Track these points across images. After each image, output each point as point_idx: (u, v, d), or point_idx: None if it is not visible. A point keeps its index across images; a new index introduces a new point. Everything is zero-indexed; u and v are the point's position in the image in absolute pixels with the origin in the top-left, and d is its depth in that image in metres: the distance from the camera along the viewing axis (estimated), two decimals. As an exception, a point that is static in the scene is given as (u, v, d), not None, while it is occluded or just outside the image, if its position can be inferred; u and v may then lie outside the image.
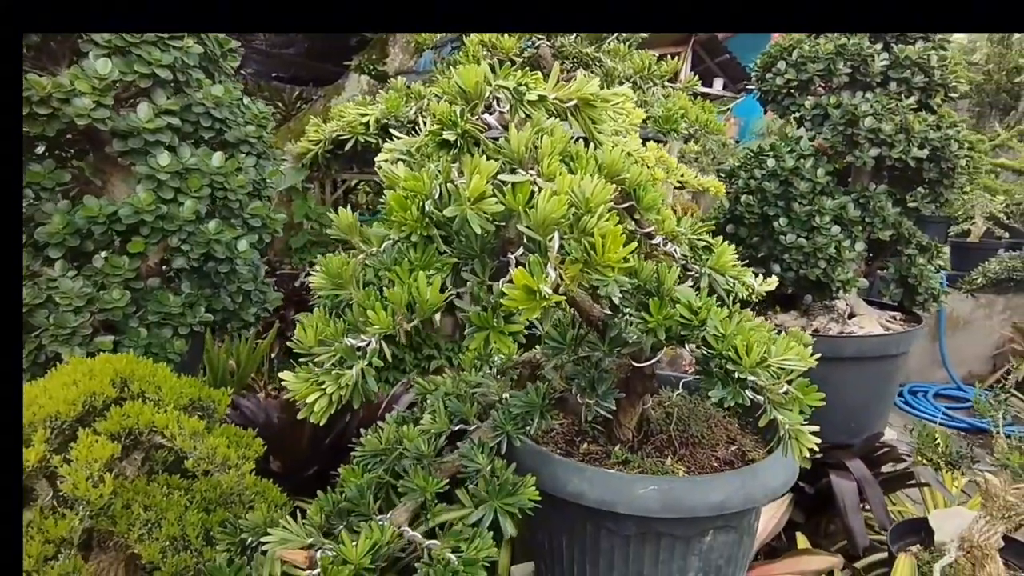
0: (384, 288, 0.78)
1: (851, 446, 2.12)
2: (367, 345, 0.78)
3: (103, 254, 1.32)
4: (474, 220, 0.73)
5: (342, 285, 0.80)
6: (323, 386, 0.73)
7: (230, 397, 1.18)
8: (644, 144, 1.33)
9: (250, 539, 0.92)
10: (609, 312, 1.00)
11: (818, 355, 1.82)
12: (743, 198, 2.17)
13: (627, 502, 1.02)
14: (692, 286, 1.00)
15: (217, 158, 1.31)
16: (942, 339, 4.46)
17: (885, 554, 1.72)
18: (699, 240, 0.94)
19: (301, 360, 0.80)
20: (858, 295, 2.24)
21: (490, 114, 0.85)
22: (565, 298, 0.73)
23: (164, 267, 1.45)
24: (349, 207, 1.00)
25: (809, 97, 2.08)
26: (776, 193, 2.08)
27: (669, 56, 2.03)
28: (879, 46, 1.96)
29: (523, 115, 0.79)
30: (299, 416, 0.74)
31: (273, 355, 2.97)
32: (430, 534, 0.93)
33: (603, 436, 1.26)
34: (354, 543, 0.82)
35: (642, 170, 0.88)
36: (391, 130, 1.17)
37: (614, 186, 0.76)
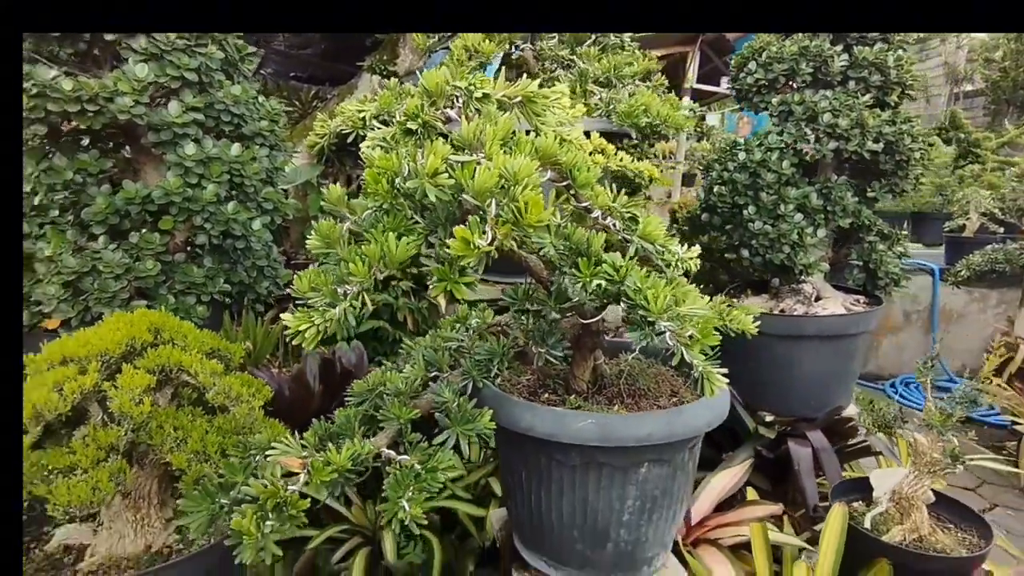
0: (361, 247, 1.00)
1: (814, 420, 2.29)
2: (349, 291, 0.99)
3: (139, 231, 1.55)
4: (431, 191, 0.94)
5: (331, 244, 1.02)
6: (313, 319, 0.94)
7: (244, 351, 1.40)
8: (587, 135, 1.52)
9: (257, 454, 1.14)
10: (551, 274, 1.20)
11: (782, 333, 1.99)
12: (716, 188, 2.36)
13: (568, 433, 1.22)
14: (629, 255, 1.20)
15: (235, 148, 1.54)
16: (935, 332, 4.58)
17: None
18: (627, 213, 1.14)
19: (297, 304, 1.02)
20: (825, 280, 2.41)
21: (452, 109, 1.06)
22: (494, 248, 0.93)
23: (188, 244, 1.68)
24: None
25: (776, 95, 2.26)
26: (746, 184, 2.26)
27: (676, 54, 2.23)
28: (839, 47, 2.13)
29: (474, 109, 1.00)
30: (293, 343, 0.95)
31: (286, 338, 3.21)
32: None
33: (561, 388, 1.46)
34: (338, 453, 1.03)
35: (577, 154, 1.08)
36: (375, 123, 1.38)
37: (538, 164, 0.96)
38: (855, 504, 1.83)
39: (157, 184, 1.49)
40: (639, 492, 1.31)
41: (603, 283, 1.08)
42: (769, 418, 2.39)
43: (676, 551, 1.59)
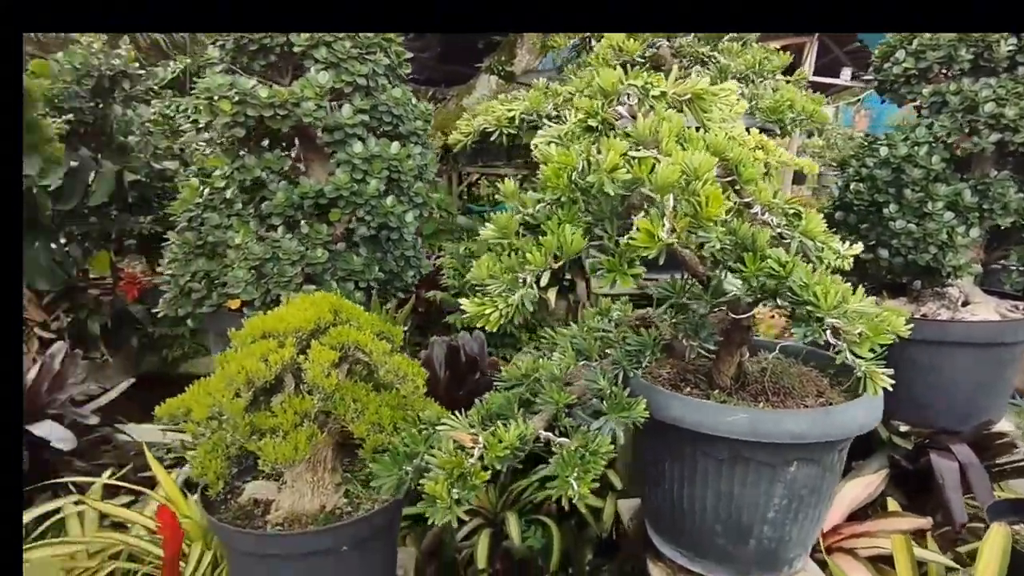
0: (538, 238, 1.06)
1: (957, 433, 2.14)
2: (526, 278, 1.05)
3: (309, 223, 1.70)
4: (608, 185, 0.99)
5: (507, 235, 1.09)
6: (496, 304, 1.01)
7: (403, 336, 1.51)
8: (747, 131, 1.51)
9: (426, 428, 1.23)
10: (711, 269, 1.21)
11: (923, 338, 1.89)
12: (853, 186, 2.25)
13: (719, 426, 1.23)
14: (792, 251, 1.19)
15: (395, 147, 1.66)
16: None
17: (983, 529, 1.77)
18: (791, 209, 1.13)
19: (476, 290, 1.10)
20: (975, 283, 2.25)
21: (620, 106, 1.10)
22: (677, 242, 0.96)
23: (346, 235, 1.82)
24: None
25: (927, 84, 2.13)
26: (887, 180, 2.15)
27: (793, 45, 2.16)
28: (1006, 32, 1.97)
29: (648, 107, 1.03)
30: (477, 324, 1.03)
31: (406, 328, 3.39)
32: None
33: (704, 383, 1.47)
34: (507, 432, 1.10)
35: (743, 150, 1.09)
36: (544, 121, 1.44)
37: (716, 159, 0.98)
38: (1016, 527, 1.70)
39: (328, 179, 1.64)
40: (787, 490, 1.30)
41: (766, 277, 1.09)
42: (904, 428, 2.26)
43: (812, 556, 1.56)
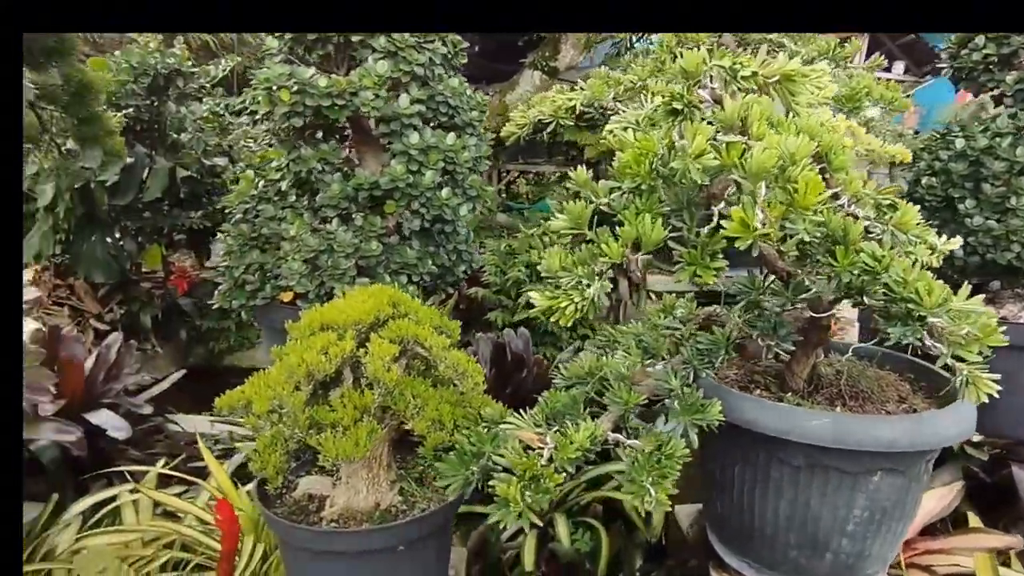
0: (614, 228, 0.99)
1: (1040, 443, 2.00)
2: (602, 270, 0.99)
3: (362, 215, 1.67)
4: (695, 172, 0.92)
5: (580, 225, 1.02)
6: (572, 297, 0.95)
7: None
8: (835, 115, 1.42)
9: (489, 426, 1.18)
10: (794, 264, 1.13)
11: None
12: (924, 180, 2.12)
13: (798, 431, 1.14)
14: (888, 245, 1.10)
15: (451, 138, 1.61)
16: None
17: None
18: (884, 199, 1.04)
19: (547, 281, 1.04)
20: (1057, 285, 2.09)
21: (702, 89, 1.03)
22: (771, 232, 0.88)
23: (398, 228, 1.78)
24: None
25: (1011, 71, 1.98)
26: (963, 174, 2.01)
27: (842, 39, 2.05)
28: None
29: (734, 89, 0.96)
30: (551, 319, 0.97)
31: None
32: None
33: (775, 385, 1.38)
34: (576, 432, 1.04)
35: (834, 136, 1.01)
36: (619, 105, 1.37)
37: (815, 143, 0.90)
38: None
39: (384, 170, 1.60)
40: (868, 502, 1.21)
41: (859, 272, 1.00)
42: (977, 438, 2.12)
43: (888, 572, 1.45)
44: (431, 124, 1.66)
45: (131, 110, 3.35)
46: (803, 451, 1.17)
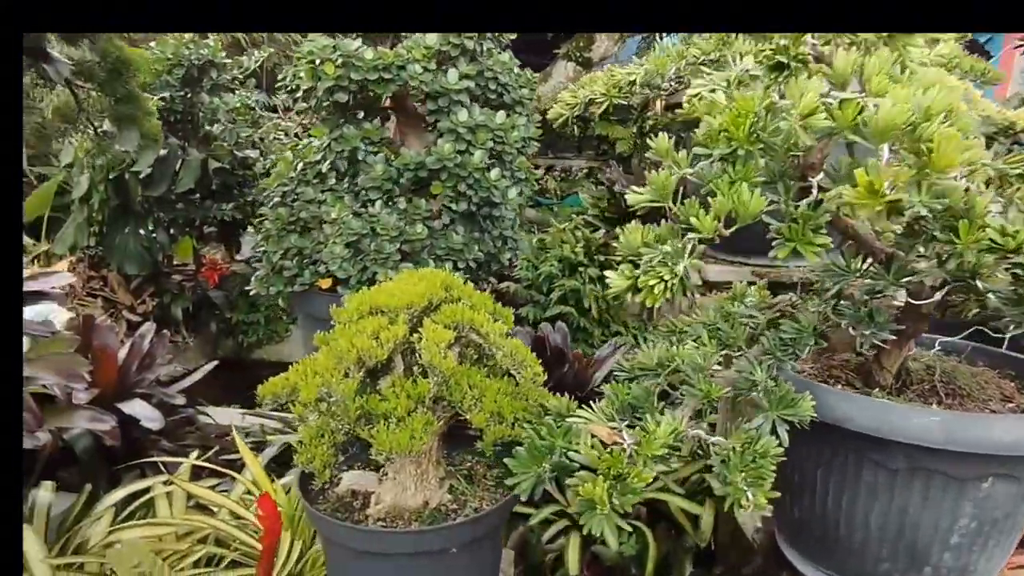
0: (705, 200, 0.88)
1: None
2: (691, 247, 0.88)
3: (406, 197, 1.57)
4: (802, 134, 0.80)
5: (664, 196, 0.91)
6: (661, 275, 0.84)
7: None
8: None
9: (555, 419, 1.07)
10: (897, 243, 1.00)
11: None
12: None
13: (900, 430, 1.02)
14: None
15: (500, 116, 1.51)
16: None
17: None
18: (1014, 168, 0.91)
19: (621, 262, 0.93)
20: None
21: (803, 45, 0.90)
22: (902, 199, 0.76)
23: (442, 211, 1.68)
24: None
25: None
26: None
27: None
28: None
29: (846, 41, 0.84)
30: (638, 299, 0.86)
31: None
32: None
33: (859, 380, 1.25)
34: (658, 427, 0.93)
35: (951, 96, 0.88)
36: (703, 68, 1.25)
37: (950, 99, 0.77)
38: None
39: (431, 149, 1.50)
40: (976, 511, 1.07)
41: (983, 251, 0.87)
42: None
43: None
44: (480, 102, 1.56)
45: (164, 101, 3.30)
46: (903, 452, 1.04)
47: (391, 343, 1.06)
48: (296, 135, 2.98)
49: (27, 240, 4.19)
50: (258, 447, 2.54)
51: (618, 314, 3.87)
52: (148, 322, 2.75)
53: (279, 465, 2.41)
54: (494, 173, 1.53)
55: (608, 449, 0.88)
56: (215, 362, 2.89)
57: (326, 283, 1.67)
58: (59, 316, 2.93)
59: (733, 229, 0.87)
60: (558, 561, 2.09)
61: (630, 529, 1.97)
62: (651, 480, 0.82)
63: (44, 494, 1.76)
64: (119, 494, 1.80)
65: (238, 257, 4.15)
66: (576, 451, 0.89)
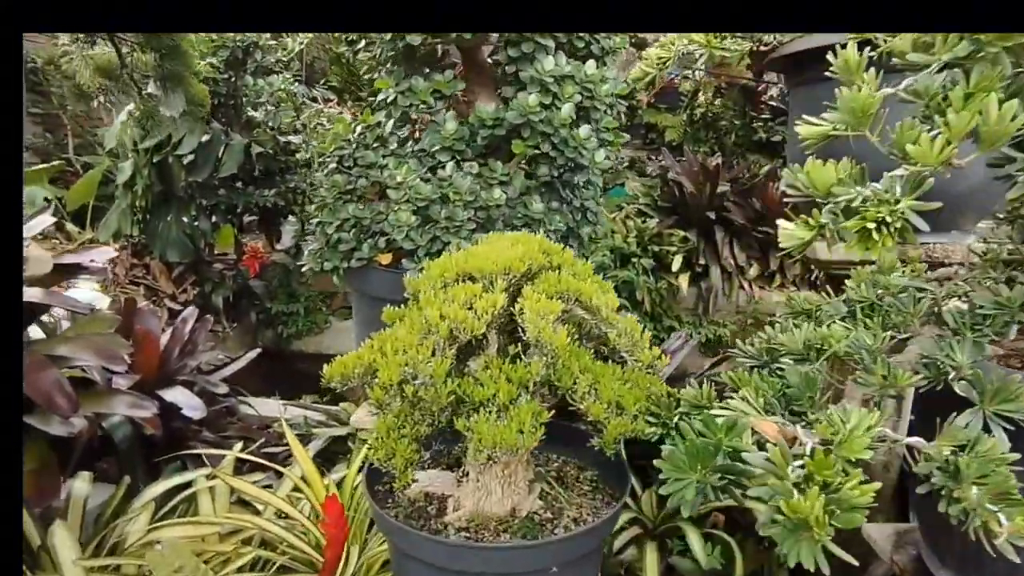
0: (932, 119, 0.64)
1: None
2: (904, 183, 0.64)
3: (480, 160, 1.35)
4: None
5: (862, 121, 0.68)
6: (879, 214, 0.60)
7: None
8: None
9: (687, 410, 0.85)
10: None
11: None
12: None
13: None
14: None
15: (590, 65, 1.29)
16: None
17: None
18: None
19: (791, 209, 0.70)
20: None
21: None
22: None
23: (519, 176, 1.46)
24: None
25: None
26: None
27: None
28: None
29: None
30: (846, 249, 0.63)
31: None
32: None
33: (1046, 371, 1.00)
34: (846, 422, 0.69)
35: None
36: None
37: None
38: None
39: (512, 102, 1.29)
40: None
41: None
42: None
43: None
44: (565, 50, 1.34)
45: (209, 85, 3.16)
46: None
47: (489, 314, 0.84)
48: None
49: (72, 228, 4.10)
50: (302, 441, 2.36)
51: (671, 307, 3.61)
52: (190, 307, 2.60)
53: (323, 460, 2.22)
54: (583, 130, 1.31)
55: (803, 449, 0.65)
56: (258, 349, 2.73)
57: (386, 258, 1.46)
58: (101, 302, 2.79)
59: (972, 158, 0.63)
60: (627, 571, 1.86)
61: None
62: (872, 495, 0.58)
63: (81, 485, 1.59)
64: (159, 488, 1.62)
65: (278, 247, 4.00)
66: (745, 451, 0.66)
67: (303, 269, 1.52)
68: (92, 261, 1.50)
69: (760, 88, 4.23)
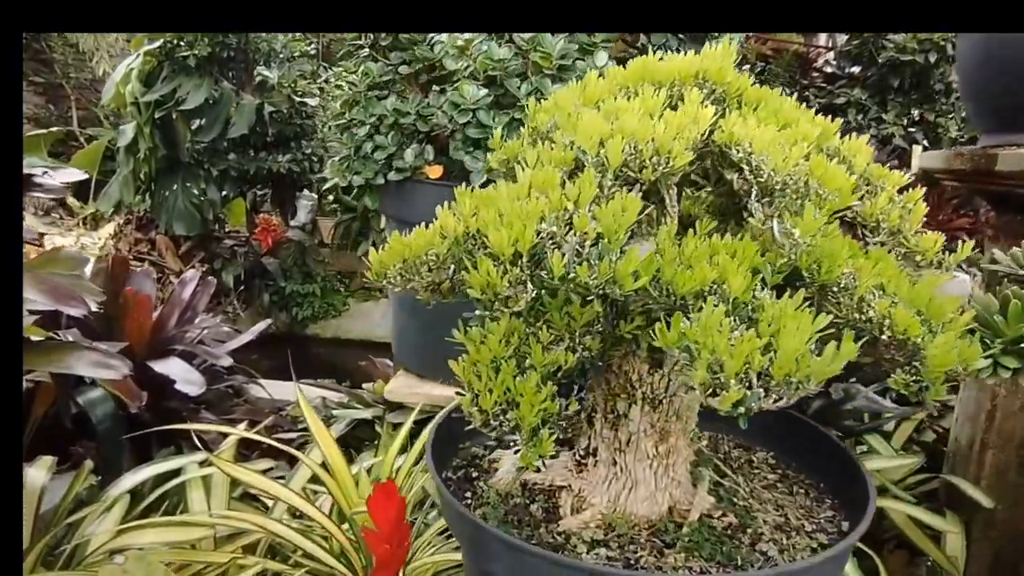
0: None
1: None
2: None
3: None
4: None
5: None
6: None
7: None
8: None
9: None
10: None
11: None
12: None
13: None
14: None
15: None
16: None
17: None
18: None
19: None
20: None
21: None
22: None
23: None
24: None
25: None
26: None
27: None
28: None
29: None
30: None
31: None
32: None
33: None
34: None
35: None
36: None
37: None
38: None
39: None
40: None
41: None
42: None
43: None
44: None
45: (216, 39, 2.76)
46: None
47: (692, 133, 0.42)
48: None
49: (73, 202, 3.72)
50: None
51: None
52: (192, 269, 2.20)
53: (348, 448, 1.81)
54: None
55: None
56: (268, 321, 2.32)
57: (436, 171, 1.05)
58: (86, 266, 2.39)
59: None
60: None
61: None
62: None
63: (36, 473, 1.17)
64: (139, 476, 1.21)
65: (293, 223, 3.61)
66: None
67: (327, 181, 1.10)
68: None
69: (812, 54, 3.81)
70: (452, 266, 0.45)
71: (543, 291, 0.41)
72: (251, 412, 1.93)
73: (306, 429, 1.98)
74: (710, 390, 0.35)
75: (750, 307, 0.37)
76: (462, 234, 0.42)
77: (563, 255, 0.37)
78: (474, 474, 0.67)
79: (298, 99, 3.00)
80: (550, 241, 0.38)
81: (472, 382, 0.42)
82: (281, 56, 2.90)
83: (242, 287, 3.41)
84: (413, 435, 1.31)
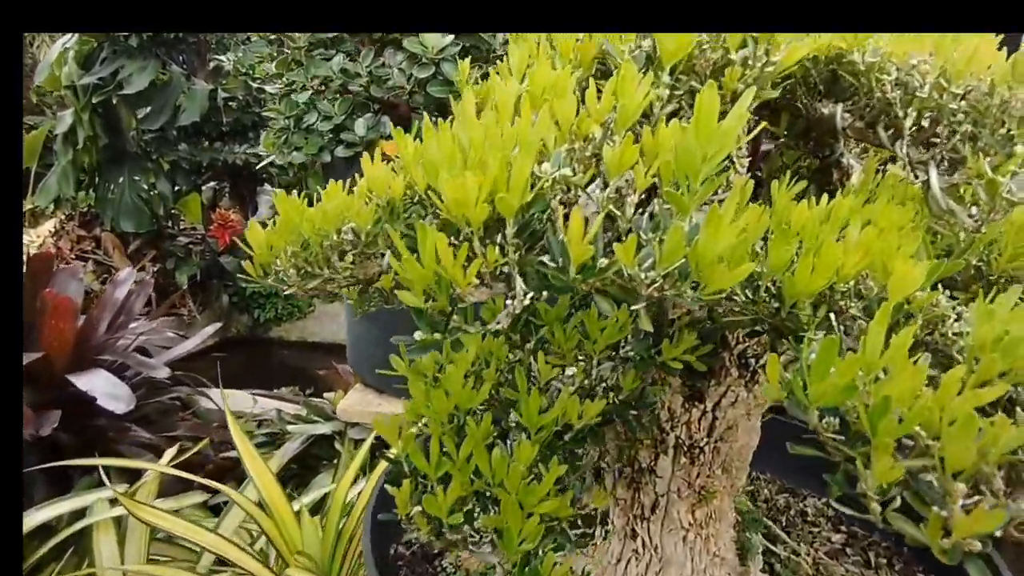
0: None
1: None
2: None
3: None
4: None
5: None
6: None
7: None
8: None
9: None
10: None
11: None
12: None
13: None
14: None
15: None
16: None
17: None
18: None
19: None
20: None
21: None
22: None
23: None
24: None
25: None
26: None
27: None
28: None
29: None
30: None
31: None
32: None
33: None
34: None
35: None
36: None
37: None
38: None
39: None
40: None
41: None
42: None
43: None
44: None
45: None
46: None
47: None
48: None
49: (10, 197, 3.41)
50: (275, 441, 1.73)
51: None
52: (128, 268, 1.96)
53: (303, 469, 1.60)
54: None
55: None
56: (218, 325, 2.09)
57: (394, 148, 0.84)
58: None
59: None
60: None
61: None
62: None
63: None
64: (33, 519, 0.99)
65: (254, 218, 3.35)
66: None
67: (256, 168, 0.90)
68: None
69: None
70: (387, 250, 0.26)
71: (542, 293, 0.22)
72: (196, 428, 1.70)
73: (262, 444, 1.75)
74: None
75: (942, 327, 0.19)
76: (401, 195, 0.23)
77: (585, 221, 0.18)
78: (436, 548, 0.47)
79: (255, 85, 2.74)
80: (560, 194, 0.19)
81: (414, 458, 0.22)
82: (236, 38, 2.65)
83: (199, 289, 3.15)
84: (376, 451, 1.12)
